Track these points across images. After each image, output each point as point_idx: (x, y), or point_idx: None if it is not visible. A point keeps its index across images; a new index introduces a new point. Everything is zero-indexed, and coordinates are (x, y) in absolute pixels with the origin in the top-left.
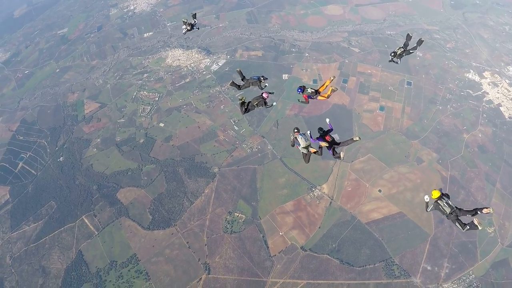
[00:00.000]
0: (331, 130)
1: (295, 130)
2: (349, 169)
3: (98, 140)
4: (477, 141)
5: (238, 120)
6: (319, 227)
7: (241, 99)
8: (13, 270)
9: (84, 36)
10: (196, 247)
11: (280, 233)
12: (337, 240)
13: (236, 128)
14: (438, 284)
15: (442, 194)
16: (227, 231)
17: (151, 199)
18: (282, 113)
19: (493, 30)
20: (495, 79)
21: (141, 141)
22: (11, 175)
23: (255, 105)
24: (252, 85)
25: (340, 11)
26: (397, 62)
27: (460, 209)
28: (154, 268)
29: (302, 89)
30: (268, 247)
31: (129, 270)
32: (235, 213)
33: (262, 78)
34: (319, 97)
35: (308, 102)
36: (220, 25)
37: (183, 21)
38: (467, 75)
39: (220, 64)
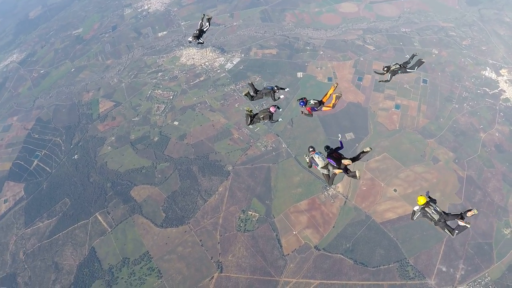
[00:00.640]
0: (341, 147)
1: (311, 150)
2: (364, 168)
3: (113, 138)
4: (494, 140)
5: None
6: (333, 227)
7: (248, 111)
8: (26, 266)
9: (98, 36)
10: (209, 245)
11: (294, 232)
12: (351, 240)
13: (250, 126)
14: (453, 286)
15: (429, 199)
16: (240, 230)
17: (165, 197)
18: (296, 111)
19: (510, 26)
20: None
21: (155, 139)
22: (26, 172)
23: (261, 118)
24: (266, 95)
25: (354, 9)
26: (387, 80)
27: (447, 214)
28: (167, 265)
29: (305, 101)
30: (281, 246)
31: (141, 268)
32: (249, 212)
33: (276, 89)
34: (323, 108)
35: (312, 115)
36: (234, 23)
37: (201, 21)
38: (484, 72)
39: (234, 63)
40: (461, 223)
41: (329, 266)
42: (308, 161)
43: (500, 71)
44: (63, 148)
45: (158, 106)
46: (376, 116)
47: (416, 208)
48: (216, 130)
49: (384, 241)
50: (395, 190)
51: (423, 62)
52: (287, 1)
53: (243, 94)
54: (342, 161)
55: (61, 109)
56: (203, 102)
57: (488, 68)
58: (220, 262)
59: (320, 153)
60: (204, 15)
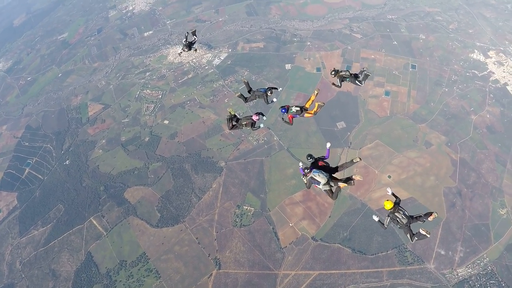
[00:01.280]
0: (326, 157)
1: (306, 171)
2: (357, 156)
3: (103, 141)
4: (486, 122)
5: (243, 113)
6: (329, 216)
7: (230, 113)
8: (23, 275)
9: (84, 39)
10: (205, 243)
11: (290, 224)
12: (348, 228)
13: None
14: (452, 268)
15: (396, 203)
16: (236, 225)
17: (159, 196)
18: (287, 102)
19: (495, 9)
20: (500, 58)
21: (146, 139)
22: (18, 181)
23: (244, 125)
24: (259, 97)
25: None
26: (339, 86)
27: (411, 217)
28: (164, 265)
29: (286, 109)
30: (278, 239)
31: (139, 269)
32: (244, 206)
33: (269, 92)
34: (305, 114)
35: (292, 123)
36: (220, 19)
37: (185, 37)
38: (472, 55)
39: (222, 58)
40: (422, 231)
41: (327, 256)
42: (306, 181)
43: (488, 53)
44: (54, 155)
45: (147, 106)
46: (367, 103)
47: (376, 218)
48: (207, 126)
49: (381, 228)
50: (389, 177)
51: (369, 75)
52: None
53: (236, 95)
54: (339, 184)
55: (50, 115)
56: (193, 99)
57: (476, 51)
58: (218, 259)
59: (318, 169)
60: (187, 32)
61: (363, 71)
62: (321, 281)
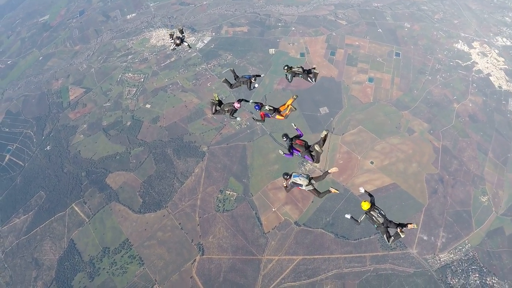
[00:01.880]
0: (301, 135)
1: (286, 177)
2: (340, 141)
3: (85, 126)
4: (468, 111)
5: (226, 97)
6: (312, 201)
7: (214, 99)
8: (6, 265)
9: (66, 21)
10: (188, 228)
11: (273, 209)
12: (331, 213)
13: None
14: (434, 254)
15: (372, 203)
16: (219, 210)
17: (141, 182)
18: (270, 87)
19: (481, 1)
20: (484, 49)
21: (128, 124)
22: None
23: (225, 111)
24: (243, 84)
25: None
26: (289, 81)
27: (390, 221)
28: (148, 252)
29: (260, 106)
30: (261, 224)
31: (122, 256)
32: (227, 191)
33: (253, 79)
34: (277, 116)
35: (264, 120)
36: (204, 2)
37: (170, 34)
38: (456, 45)
39: (205, 42)
40: (398, 231)
41: (310, 241)
42: (285, 185)
43: (473, 43)
44: (34, 140)
45: (129, 90)
46: (350, 89)
47: (348, 216)
48: (189, 110)
49: (363, 213)
50: (371, 163)
51: (317, 73)
52: None
53: (222, 81)
54: (330, 189)
55: (30, 100)
56: (175, 83)
57: (461, 41)
58: (201, 245)
59: (298, 174)
60: (174, 31)
61: (313, 69)
62: (304, 266)
